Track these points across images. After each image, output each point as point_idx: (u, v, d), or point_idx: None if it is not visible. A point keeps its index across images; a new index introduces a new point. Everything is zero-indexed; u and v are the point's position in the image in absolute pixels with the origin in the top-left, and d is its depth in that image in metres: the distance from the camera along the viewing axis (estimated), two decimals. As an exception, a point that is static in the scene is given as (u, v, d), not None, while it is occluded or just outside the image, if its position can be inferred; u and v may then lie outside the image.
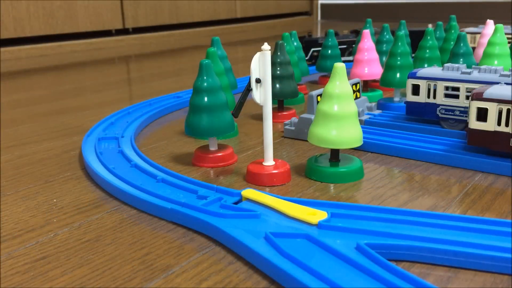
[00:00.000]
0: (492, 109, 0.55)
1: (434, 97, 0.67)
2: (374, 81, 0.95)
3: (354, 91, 0.74)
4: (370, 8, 2.77)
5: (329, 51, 1.03)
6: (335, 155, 0.57)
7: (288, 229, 0.42)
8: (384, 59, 0.98)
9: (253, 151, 0.66)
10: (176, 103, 0.91)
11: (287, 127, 0.71)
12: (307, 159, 0.59)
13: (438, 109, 0.67)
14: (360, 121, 0.71)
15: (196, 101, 0.58)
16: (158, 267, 0.39)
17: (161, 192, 0.50)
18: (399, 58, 0.80)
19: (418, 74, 0.68)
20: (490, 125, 0.55)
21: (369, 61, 0.88)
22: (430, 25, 1.29)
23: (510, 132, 0.54)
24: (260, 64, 0.53)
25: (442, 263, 0.38)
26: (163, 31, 2.13)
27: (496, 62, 0.82)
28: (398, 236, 0.40)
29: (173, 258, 0.40)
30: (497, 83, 0.59)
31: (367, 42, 0.89)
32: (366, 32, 0.89)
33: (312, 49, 1.26)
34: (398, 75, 0.80)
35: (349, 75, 0.89)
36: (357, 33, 1.45)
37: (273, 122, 0.56)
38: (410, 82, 0.69)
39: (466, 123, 0.64)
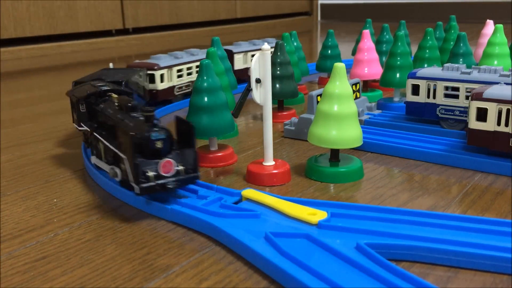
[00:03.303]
0: (492, 109, 0.55)
1: (434, 97, 0.67)
2: (374, 81, 0.95)
3: (354, 91, 0.74)
4: (370, 8, 2.77)
5: (329, 51, 1.03)
6: (335, 155, 0.57)
7: (288, 229, 0.42)
8: (384, 59, 0.98)
9: (253, 151, 0.66)
10: (176, 103, 0.91)
11: (287, 127, 0.71)
12: (307, 159, 0.59)
13: (438, 109, 0.67)
14: (360, 121, 0.71)
15: (196, 101, 0.58)
16: (158, 267, 0.39)
17: (161, 192, 0.50)
18: (399, 58, 0.80)
19: (418, 74, 0.68)
20: (489, 125, 0.55)
21: (369, 61, 0.88)
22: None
23: (510, 132, 0.54)
24: (260, 64, 0.53)
25: (442, 263, 0.38)
26: (163, 31, 2.13)
27: (495, 62, 0.82)
28: (398, 236, 0.40)
29: (173, 258, 0.40)
30: (497, 83, 0.59)
31: (367, 42, 0.89)
32: (366, 32, 0.89)
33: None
34: (398, 75, 0.80)
35: (349, 75, 0.89)
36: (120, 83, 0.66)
37: (273, 122, 0.56)
38: (410, 82, 0.69)
39: (466, 123, 0.64)
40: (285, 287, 0.36)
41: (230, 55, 1.01)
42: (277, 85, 0.76)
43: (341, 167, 0.55)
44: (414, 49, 1.00)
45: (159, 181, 0.44)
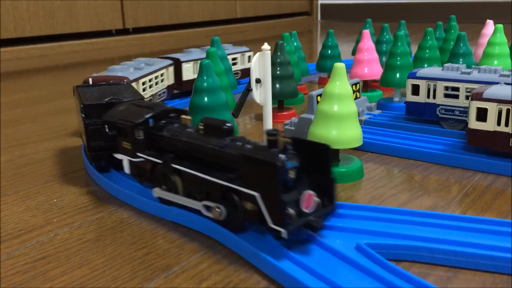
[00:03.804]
0: (492, 109, 0.55)
1: (434, 97, 0.67)
2: (374, 81, 0.95)
3: (354, 91, 0.74)
4: (370, 8, 2.77)
5: (329, 51, 1.03)
6: (335, 155, 0.57)
7: (288, 229, 0.42)
8: (384, 59, 0.98)
9: (253, 151, 0.66)
10: (177, 103, 0.91)
11: (287, 127, 0.71)
12: (307, 159, 0.59)
13: (438, 109, 0.67)
14: (360, 121, 0.71)
15: (196, 101, 0.58)
16: (158, 267, 0.39)
17: (161, 192, 0.50)
18: (399, 58, 0.80)
19: (418, 74, 0.68)
20: (489, 125, 0.55)
21: (369, 61, 0.88)
22: None
23: (510, 132, 0.54)
24: (260, 64, 0.53)
25: (442, 263, 0.38)
26: (163, 31, 2.13)
27: (495, 62, 0.82)
28: (398, 236, 0.40)
29: (173, 258, 0.40)
30: (497, 83, 0.59)
31: (367, 42, 0.89)
32: (366, 32, 0.89)
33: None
34: (398, 75, 0.80)
35: (349, 75, 0.89)
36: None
37: (273, 122, 0.56)
38: (410, 82, 0.69)
39: (466, 123, 0.64)
40: (285, 287, 0.36)
41: (178, 64, 0.90)
42: (277, 85, 0.76)
43: (341, 167, 0.55)
44: (414, 49, 1.00)
45: (302, 220, 0.37)
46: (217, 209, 0.41)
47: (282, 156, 0.36)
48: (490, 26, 1.03)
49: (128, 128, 0.48)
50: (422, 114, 0.69)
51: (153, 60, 0.86)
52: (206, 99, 0.58)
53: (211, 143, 0.41)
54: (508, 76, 0.62)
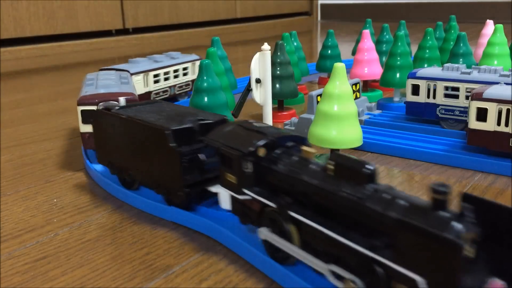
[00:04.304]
0: (492, 109, 0.55)
1: (434, 97, 0.67)
2: (374, 81, 0.95)
3: (354, 91, 0.74)
4: (370, 8, 2.77)
5: (329, 51, 1.03)
6: (335, 155, 0.57)
7: (288, 229, 0.42)
8: (384, 59, 0.98)
9: (253, 151, 0.66)
10: (177, 103, 0.91)
11: (287, 127, 0.71)
12: (307, 159, 0.59)
13: (438, 109, 0.67)
14: (360, 121, 0.71)
15: (196, 101, 0.58)
16: (158, 267, 0.39)
17: (161, 192, 0.50)
18: (399, 58, 0.80)
19: (418, 74, 0.68)
20: (489, 125, 0.55)
21: (369, 61, 0.88)
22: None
23: (510, 132, 0.54)
24: (260, 64, 0.53)
25: (442, 263, 0.38)
26: (163, 31, 2.13)
27: (495, 62, 0.82)
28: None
29: (173, 258, 0.40)
30: (497, 83, 0.59)
31: (367, 42, 0.89)
32: (366, 32, 0.89)
33: None
34: (398, 75, 0.80)
35: (349, 75, 0.89)
36: None
37: (273, 122, 0.56)
38: (410, 82, 0.69)
39: (466, 123, 0.64)
40: (285, 287, 0.36)
41: None
42: (277, 85, 0.76)
43: (341, 167, 0.55)
44: (414, 49, 1.00)
45: None
46: (351, 284, 0.31)
47: (458, 226, 0.25)
48: (490, 26, 1.03)
49: (234, 158, 0.37)
50: (422, 114, 0.69)
51: (123, 73, 0.74)
52: (206, 99, 0.58)
53: (345, 191, 0.31)
54: (508, 76, 0.62)
